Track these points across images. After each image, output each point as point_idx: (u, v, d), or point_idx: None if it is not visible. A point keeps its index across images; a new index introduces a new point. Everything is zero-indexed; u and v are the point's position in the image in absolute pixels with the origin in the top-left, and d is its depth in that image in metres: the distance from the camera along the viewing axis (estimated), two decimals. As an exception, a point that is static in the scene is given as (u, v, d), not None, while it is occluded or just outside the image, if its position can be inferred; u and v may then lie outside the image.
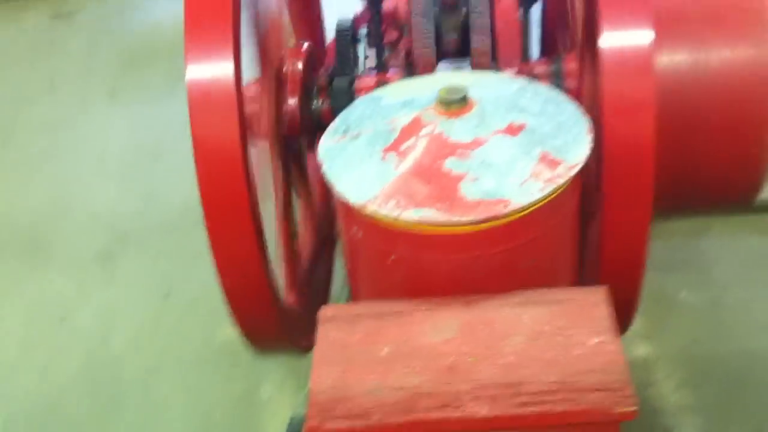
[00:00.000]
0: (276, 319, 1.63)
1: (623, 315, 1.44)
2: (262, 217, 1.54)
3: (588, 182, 1.45)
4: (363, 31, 2.02)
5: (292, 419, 1.98)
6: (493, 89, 1.46)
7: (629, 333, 1.69)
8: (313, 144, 1.80)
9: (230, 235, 1.50)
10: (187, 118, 1.45)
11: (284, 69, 1.82)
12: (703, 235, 2.48)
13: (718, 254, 2.42)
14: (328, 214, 2.10)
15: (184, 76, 1.47)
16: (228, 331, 1.77)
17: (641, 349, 2.17)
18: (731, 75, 1.71)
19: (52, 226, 2.93)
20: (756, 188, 1.85)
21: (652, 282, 2.22)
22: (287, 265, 1.79)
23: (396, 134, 1.37)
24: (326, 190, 1.99)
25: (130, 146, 3.28)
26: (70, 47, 4.07)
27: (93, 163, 3.22)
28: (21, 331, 2.53)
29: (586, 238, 1.57)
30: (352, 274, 1.47)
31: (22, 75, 3.90)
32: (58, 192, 3.10)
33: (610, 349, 1.17)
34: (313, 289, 1.98)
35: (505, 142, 1.33)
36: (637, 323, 2.12)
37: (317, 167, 1.43)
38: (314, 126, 1.84)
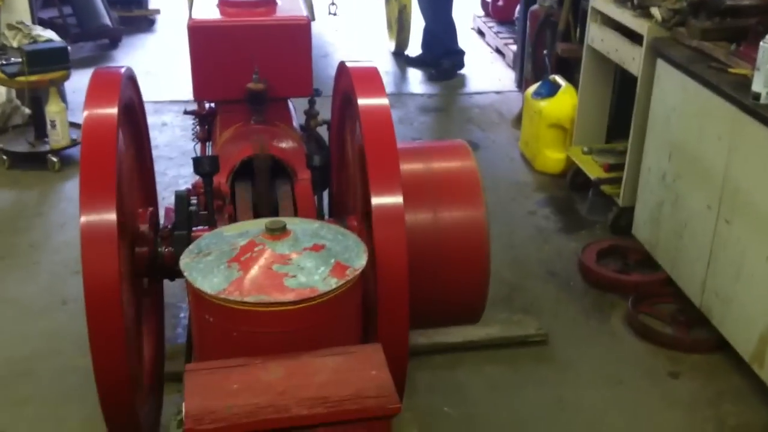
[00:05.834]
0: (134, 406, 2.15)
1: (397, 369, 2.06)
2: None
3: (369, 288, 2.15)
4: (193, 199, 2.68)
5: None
6: (302, 225, 2.15)
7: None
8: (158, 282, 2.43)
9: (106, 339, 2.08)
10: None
11: (136, 226, 2.44)
12: (457, 366, 3.27)
13: (468, 380, 3.20)
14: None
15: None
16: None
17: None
18: (457, 227, 2.55)
19: None
20: (480, 305, 2.64)
21: (423, 400, 3.06)
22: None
23: (237, 251, 2.01)
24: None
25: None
26: None
27: None
28: None
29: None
30: (200, 349, 2.02)
31: None
32: None
33: (382, 377, 1.81)
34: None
35: (312, 255, 2.00)
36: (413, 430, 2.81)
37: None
38: (158, 267, 2.45)
